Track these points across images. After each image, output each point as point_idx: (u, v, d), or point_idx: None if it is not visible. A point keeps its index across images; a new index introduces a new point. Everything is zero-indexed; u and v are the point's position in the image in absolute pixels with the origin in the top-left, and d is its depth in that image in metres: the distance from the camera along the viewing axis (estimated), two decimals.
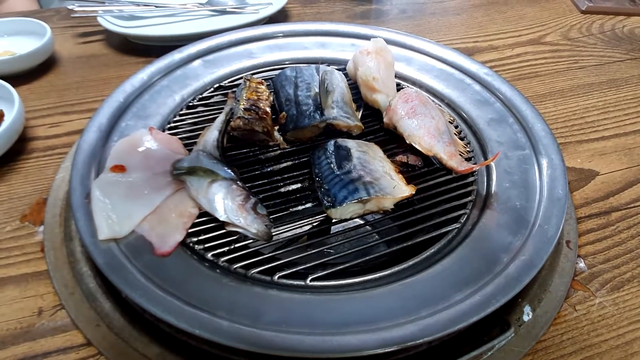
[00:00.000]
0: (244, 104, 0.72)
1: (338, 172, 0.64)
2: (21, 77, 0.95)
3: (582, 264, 0.68)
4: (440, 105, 0.80)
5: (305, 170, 0.69)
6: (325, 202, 0.62)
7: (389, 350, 0.48)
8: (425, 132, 0.68)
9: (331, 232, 0.66)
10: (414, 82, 0.84)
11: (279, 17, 1.16)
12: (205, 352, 0.54)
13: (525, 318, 0.60)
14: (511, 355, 0.56)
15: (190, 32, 1.04)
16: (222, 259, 0.57)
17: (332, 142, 0.69)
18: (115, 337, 0.55)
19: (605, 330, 0.61)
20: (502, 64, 1.09)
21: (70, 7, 1.08)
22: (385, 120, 0.73)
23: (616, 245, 0.71)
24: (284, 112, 0.74)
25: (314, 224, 0.65)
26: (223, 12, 1.14)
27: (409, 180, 0.65)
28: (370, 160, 0.66)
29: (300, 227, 0.63)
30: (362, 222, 0.68)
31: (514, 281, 0.54)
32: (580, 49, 1.15)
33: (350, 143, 0.69)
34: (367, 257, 0.59)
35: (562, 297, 0.63)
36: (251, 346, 0.48)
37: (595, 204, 0.77)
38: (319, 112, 0.72)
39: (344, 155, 0.66)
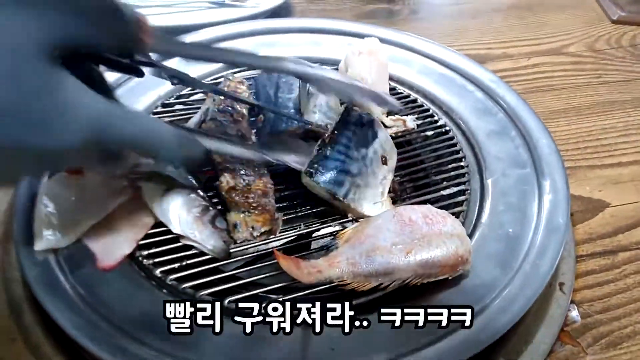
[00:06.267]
0: (218, 105, 0.67)
1: (347, 152, 0.57)
2: None
3: (574, 312, 0.60)
4: (437, 113, 0.74)
5: (281, 179, 0.62)
6: (309, 166, 0.56)
7: None
8: None
9: (311, 249, 0.59)
10: (411, 86, 0.78)
11: (282, 12, 1.10)
12: None
13: None
14: None
15: (184, 23, 0.98)
16: (171, 277, 0.52)
17: (366, 115, 0.62)
18: (30, 355, 0.50)
19: None
20: (515, 74, 1.00)
21: None
22: None
23: (619, 292, 0.62)
24: (261, 115, 0.69)
25: (290, 238, 0.58)
26: (222, 5, 1.08)
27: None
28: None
29: (274, 241, 0.57)
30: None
31: (497, 326, 0.47)
32: (606, 62, 1.05)
33: (382, 134, 0.62)
34: None
35: (546, 351, 0.55)
36: None
37: (601, 241, 0.68)
38: (298, 116, 0.67)
39: (365, 138, 0.60)
